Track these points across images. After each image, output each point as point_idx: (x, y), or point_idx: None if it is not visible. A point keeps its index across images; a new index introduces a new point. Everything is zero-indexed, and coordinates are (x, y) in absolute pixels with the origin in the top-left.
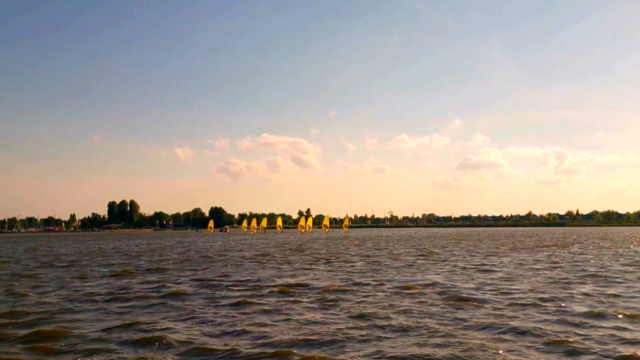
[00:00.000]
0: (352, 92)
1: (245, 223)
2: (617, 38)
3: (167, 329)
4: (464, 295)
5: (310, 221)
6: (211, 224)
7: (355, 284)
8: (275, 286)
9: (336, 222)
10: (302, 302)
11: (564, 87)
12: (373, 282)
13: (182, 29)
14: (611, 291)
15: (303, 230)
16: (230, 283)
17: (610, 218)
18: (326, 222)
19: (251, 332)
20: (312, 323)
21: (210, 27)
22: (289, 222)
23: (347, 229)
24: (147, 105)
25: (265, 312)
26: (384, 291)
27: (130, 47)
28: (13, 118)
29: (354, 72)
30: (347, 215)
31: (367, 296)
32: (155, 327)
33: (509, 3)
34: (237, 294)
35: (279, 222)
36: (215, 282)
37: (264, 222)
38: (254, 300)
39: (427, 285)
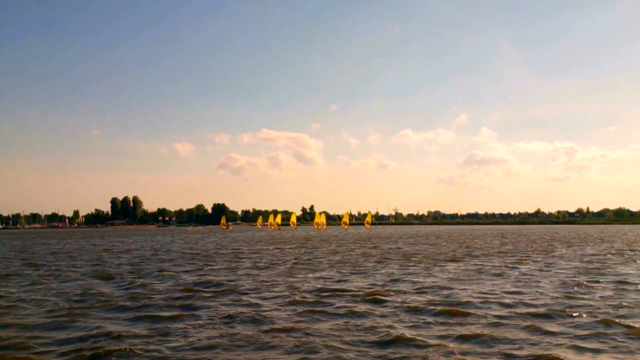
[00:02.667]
0: (354, 86)
1: (260, 219)
2: (629, 31)
3: None
4: None
5: (323, 218)
6: (223, 220)
7: None
8: None
9: (339, 219)
10: None
11: (574, 80)
12: None
13: (182, 24)
14: None
15: (319, 227)
16: None
17: (622, 216)
18: (346, 218)
19: None
20: None
21: (209, 22)
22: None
23: (369, 226)
24: (145, 100)
25: None
26: None
27: (129, 42)
28: (15, 115)
29: (355, 65)
30: (369, 212)
31: None
32: None
33: None
34: None
35: (293, 218)
36: None
37: (279, 219)
38: None
39: None
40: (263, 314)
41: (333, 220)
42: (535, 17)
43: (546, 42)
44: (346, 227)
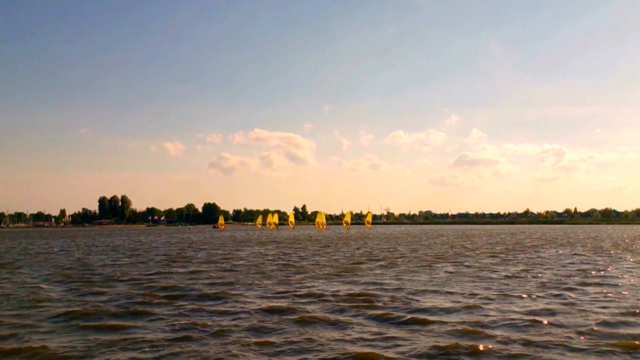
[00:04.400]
0: (347, 87)
1: (260, 219)
2: (617, 34)
3: None
4: None
5: (324, 217)
6: (221, 220)
7: None
8: None
9: (332, 219)
10: None
11: (562, 83)
12: None
13: (173, 23)
14: None
15: (321, 227)
16: None
17: (609, 216)
18: (348, 218)
19: None
20: None
21: (201, 21)
22: (285, 219)
23: (370, 226)
24: (135, 98)
25: None
26: None
27: (120, 41)
28: (2, 113)
29: (348, 66)
30: (369, 212)
31: None
32: None
33: None
34: None
35: (292, 218)
36: None
37: (276, 218)
38: None
39: None
40: None
41: (325, 219)
42: (526, 19)
43: (536, 45)
44: (348, 226)
